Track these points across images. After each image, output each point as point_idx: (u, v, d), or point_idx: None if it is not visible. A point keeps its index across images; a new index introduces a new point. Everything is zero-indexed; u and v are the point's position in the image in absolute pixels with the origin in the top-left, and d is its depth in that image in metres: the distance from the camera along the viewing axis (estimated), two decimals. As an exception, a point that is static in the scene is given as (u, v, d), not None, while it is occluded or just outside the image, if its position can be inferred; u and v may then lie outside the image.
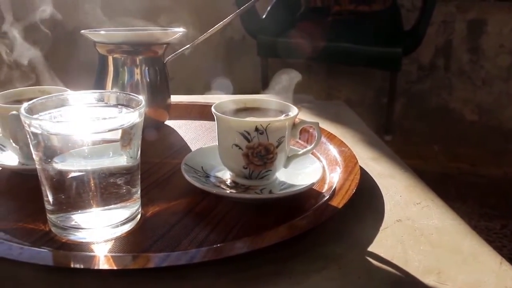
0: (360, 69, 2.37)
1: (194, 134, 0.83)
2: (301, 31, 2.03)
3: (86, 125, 0.47)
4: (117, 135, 0.47)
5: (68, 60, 2.09)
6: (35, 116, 0.47)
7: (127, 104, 0.52)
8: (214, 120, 0.84)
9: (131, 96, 0.52)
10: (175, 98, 0.89)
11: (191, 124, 0.88)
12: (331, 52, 2.03)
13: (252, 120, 0.59)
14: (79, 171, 0.47)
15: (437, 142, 2.41)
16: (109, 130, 0.46)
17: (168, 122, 0.87)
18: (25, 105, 0.48)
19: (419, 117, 2.51)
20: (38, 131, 0.45)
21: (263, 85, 2.13)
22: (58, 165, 0.47)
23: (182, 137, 0.82)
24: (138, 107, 0.48)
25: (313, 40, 1.98)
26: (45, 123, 0.46)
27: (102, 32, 0.78)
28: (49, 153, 0.47)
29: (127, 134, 0.47)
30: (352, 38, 1.98)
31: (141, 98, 0.50)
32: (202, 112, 0.91)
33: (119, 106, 0.53)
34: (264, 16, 2.17)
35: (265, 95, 0.87)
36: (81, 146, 0.46)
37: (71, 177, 0.47)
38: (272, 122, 0.56)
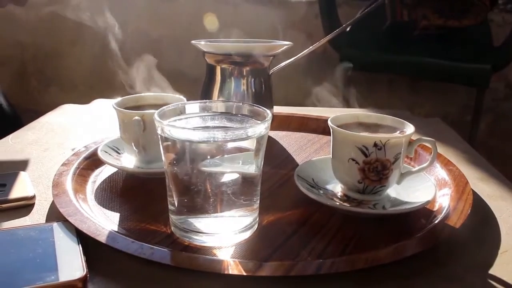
0: (443, 84, 2.30)
1: (297, 146, 0.84)
2: (386, 45, 2.01)
3: (219, 133, 0.49)
4: (253, 144, 0.48)
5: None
6: (167, 122, 0.50)
7: (249, 115, 0.54)
8: (314, 133, 0.84)
9: (254, 107, 0.54)
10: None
11: (292, 136, 0.89)
12: (416, 67, 1.99)
13: (371, 135, 0.59)
14: (208, 176, 0.49)
15: (523, 164, 2.30)
16: (243, 139, 0.47)
17: (269, 133, 0.88)
18: (159, 111, 0.51)
19: (505, 136, 2.41)
20: (173, 137, 0.48)
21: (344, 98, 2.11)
22: (187, 169, 0.49)
23: (285, 148, 0.83)
24: (266, 119, 0.50)
25: (398, 54, 1.95)
26: (179, 129, 0.49)
27: (213, 42, 0.80)
28: (181, 158, 0.49)
29: (257, 144, 0.49)
30: (439, 53, 1.93)
31: (268, 110, 0.52)
32: (302, 124, 0.93)
33: (240, 116, 0.55)
34: (348, 29, 2.16)
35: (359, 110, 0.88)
36: (212, 153, 0.48)
37: (199, 182, 0.49)
38: (391, 138, 0.56)
